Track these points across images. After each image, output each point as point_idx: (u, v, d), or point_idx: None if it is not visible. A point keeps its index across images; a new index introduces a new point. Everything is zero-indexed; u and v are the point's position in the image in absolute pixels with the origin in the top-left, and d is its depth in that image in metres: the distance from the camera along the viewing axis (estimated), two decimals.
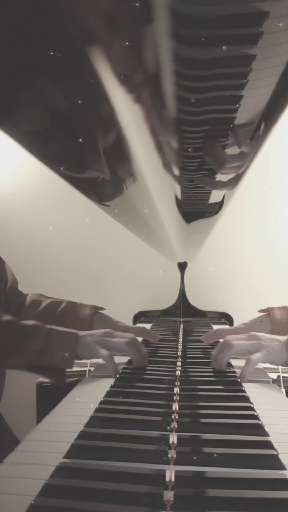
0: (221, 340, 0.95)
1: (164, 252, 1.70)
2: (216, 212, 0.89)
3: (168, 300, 1.83)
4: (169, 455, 0.49)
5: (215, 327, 1.51)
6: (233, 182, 0.63)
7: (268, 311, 1.10)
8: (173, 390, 0.74)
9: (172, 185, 0.68)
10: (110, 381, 0.79)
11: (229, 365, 0.91)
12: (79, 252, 1.95)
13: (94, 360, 1.11)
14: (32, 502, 0.39)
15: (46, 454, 0.51)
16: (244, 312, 1.80)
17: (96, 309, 1.13)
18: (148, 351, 1.01)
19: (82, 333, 0.93)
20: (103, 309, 1.15)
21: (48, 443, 0.55)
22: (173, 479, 0.44)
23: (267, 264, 1.88)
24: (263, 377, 0.88)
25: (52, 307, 1.15)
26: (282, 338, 0.88)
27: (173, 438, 0.53)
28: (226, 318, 1.79)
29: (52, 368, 0.90)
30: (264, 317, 1.10)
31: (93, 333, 0.93)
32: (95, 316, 1.12)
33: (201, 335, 1.18)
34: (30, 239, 1.94)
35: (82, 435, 0.54)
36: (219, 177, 0.59)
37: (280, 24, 0.25)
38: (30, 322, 0.92)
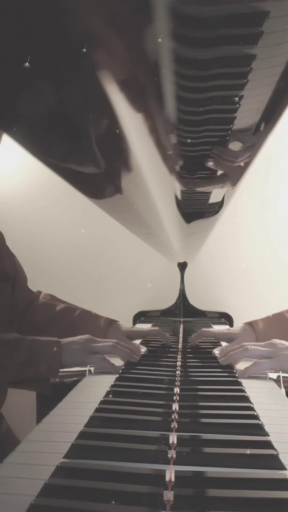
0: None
1: (164, 252, 1.70)
2: (216, 212, 0.89)
3: (168, 300, 1.83)
4: (169, 455, 0.49)
5: (215, 327, 1.52)
6: (235, 180, 0.63)
7: (251, 324, 1.11)
8: (173, 390, 0.74)
9: (172, 185, 0.68)
10: (110, 381, 0.79)
11: (229, 366, 0.91)
12: (79, 252, 1.95)
13: None
14: (32, 502, 0.39)
15: (46, 454, 0.51)
16: (244, 312, 1.80)
17: (111, 322, 1.13)
18: (149, 350, 1.01)
19: (64, 340, 0.91)
20: (117, 321, 1.15)
21: (48, 443, 0.55)
22: (173, 479, 0.44)
23: (267, 264, 1.88)
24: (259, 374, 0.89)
25: (67, 312, 1.14)
26: None
27: (173, 438, 0.53)
28: (226, 318, 1.79)
29: (36, 379, 0.87)
30: (247, 326, 1.12)
31: (76, 340, 0.92)
32: (110, 326, 1.11)
33: None
34: (29, 238, 1.94)
35: (82, 435, 0.54)
36: (219, 175, 0.59)
37: (280, 24, 0.25)
38: (11, 335, 0.90)
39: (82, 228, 1.92)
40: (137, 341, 1.14)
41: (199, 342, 1.14)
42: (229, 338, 1.11)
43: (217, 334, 1.14)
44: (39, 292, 1.20)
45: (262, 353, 0.88)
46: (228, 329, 1.15)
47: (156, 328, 1.17)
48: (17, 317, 1.12)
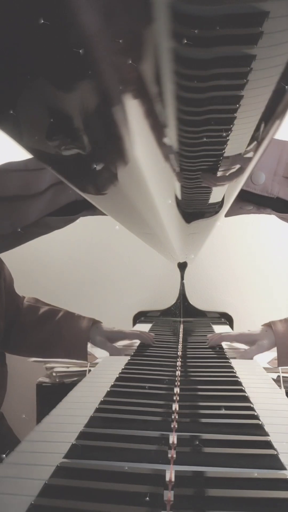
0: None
1: (164, 252, 1.70)
2: (216, 212, 0.89)
3: (168, 300, 1.83)
4: (169, 455, 0.49)
5: (215, 327, 1.52)
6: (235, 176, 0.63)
7: (270, 325, 1.11)
8: (173, 390, 0.74)
9: (172, 185, 0.68)
10: (110, 381, 0.79)
11: (229, 366, 0.91)
12: (79, 253, 1.95)
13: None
14: (32, 502, 0.39)
15: (46, 454, 0.51)
16: (244, 312, 1.80)
17: (94, 322, 1.14)
18: (149, 351, 1.01)
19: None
20: (100, 322, 1.16)
21: (48, 443, 0.55)
22: (173, 479, 0.44)
23: (267, 264, 1.88)
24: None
25: (50, 314, 1.15)
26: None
27: (173, 438, 0.53)
28: (226, 318, 1.79)
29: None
30: (267, 327, 1.11)
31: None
32: (93, 326, 1.13)
33: (201, 335, 1.18)
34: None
35: (82, 435, 0.54)
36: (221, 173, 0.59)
37: (280, 24, 0.25)
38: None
39: (82, 228, 1.91)
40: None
41: (199, 342, 1.14)
42: (249, 340, 1.10)
43: (237, 337, 1.14)
44: (23, 297, 1.21)
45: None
46: (249, 331, 1.14)
47: (137, 331, 1.17)
48: (7, 320, 1.13)
